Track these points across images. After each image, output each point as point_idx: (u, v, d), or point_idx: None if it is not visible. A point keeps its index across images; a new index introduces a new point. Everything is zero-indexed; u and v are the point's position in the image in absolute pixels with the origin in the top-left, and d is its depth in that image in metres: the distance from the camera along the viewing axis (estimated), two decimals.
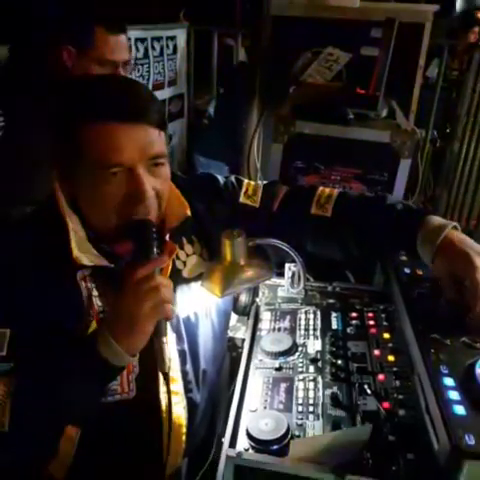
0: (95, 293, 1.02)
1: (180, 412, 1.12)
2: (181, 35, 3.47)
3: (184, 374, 1.13)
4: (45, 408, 0.93)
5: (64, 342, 0.96)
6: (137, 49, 3.07)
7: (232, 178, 1.27)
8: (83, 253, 1.00)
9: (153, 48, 3.20)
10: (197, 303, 1.15)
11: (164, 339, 0.95)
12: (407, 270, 1.21)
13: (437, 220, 1.09)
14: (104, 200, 0.96)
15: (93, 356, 0.91)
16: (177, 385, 1.11)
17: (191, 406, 1.15)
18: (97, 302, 1.02)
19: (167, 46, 3.33)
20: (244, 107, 2.09)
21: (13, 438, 0.91)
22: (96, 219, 1.01)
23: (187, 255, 1.15)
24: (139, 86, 1.03)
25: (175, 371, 1.11)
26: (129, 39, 2.98)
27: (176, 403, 1.11)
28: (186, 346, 1.13)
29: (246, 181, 1.27)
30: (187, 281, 1.14)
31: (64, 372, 0.93)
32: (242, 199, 1.23)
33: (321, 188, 1.24)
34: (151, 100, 0.99)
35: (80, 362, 0.93)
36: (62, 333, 0.98)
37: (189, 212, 1.11)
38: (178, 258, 1.13)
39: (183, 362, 1.13)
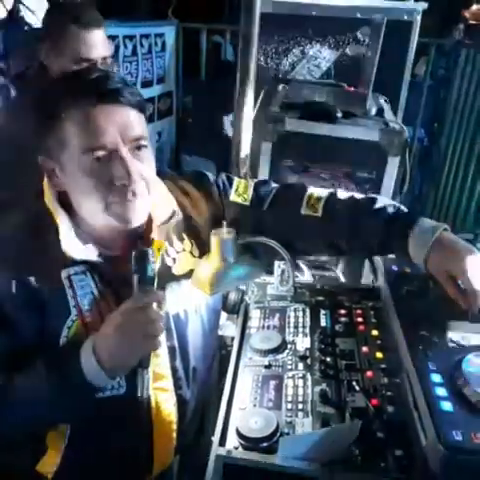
0: (80, 292, 1.01)
1: (170, 409, 1.12)
2: (170, 32, 3.46)
3: (174, 371, 1.13)
4: (26, 413, 0.97)
5: (49, 349, 0.98)
6: (125, 46, 3.06)
7: (223, 176, 1.27)
8: (72, 248, 1.00)
9: (141, 45, 3.18)
10: (187, 300, 1.15)
11: (146, 371, 0.97)
12: (395, 268, 1.22)
13: (428, 222, 1.10)
14: (91, 187, 0.96)
15: (75, 372, 0.93)
16: (167, 382, 1.11)
17: (181, 403, 1.15)
18: (82, 301, 1.02)
19: (156, 43, 3.32)
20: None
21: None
22: (86, 211, 1.01)
23: (177, 252, 1.15)
24: (112, 72, 1.05)
25: (164, 368, 1.11)
26: (117, 36, 2.98)
27: (165, 400, 1.11)
28: (176, 343, 1.13)
29: (237, 179, 1.27)
30: (177, 278, 1.13)
31: (46, 383, 0.95)
32: (232, 197, 1.23)
33: (312, 188, 1.25)
34: (126, 83, 1.01)
35: (61, 375, 0.95)
36: (47, 335, 0.98)
37: (176, 207, 1.11)
38: (168, 255, 1.13)
39: (172, 358, 1.13)
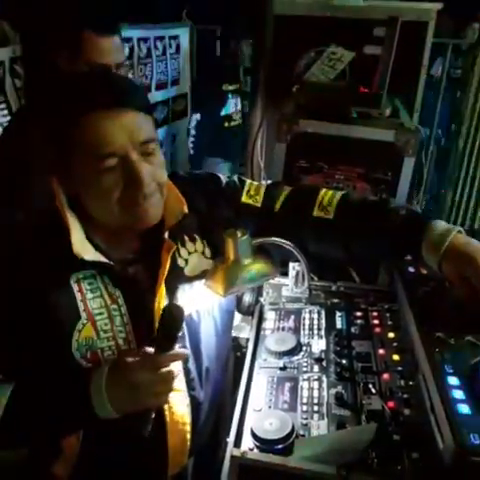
0: (90, 295, 1.01)
1: (184, 410, 1.12)
2: (184, 34, 3.47)
3: (187, 372, 1.13)
4: (34, 423, 0.98)
5: (58, 366, 0.99)
6: (140, 49, 3.08)
7: (235, 177, 1.27)
8: (83, 250, 0.99)
9: (156, 47, 3.20)
10: (199, 301, 1.16)
11: (153, 414, 0.98)
12: (411, 269, 1.21)
13: (442, 225, 1.09)
14: (104, 194, 0.96)
15: (82, 400, 0.94)
16: (180, 383, 1.11)
17: (195, 404, 1.15)
18: (92, 304, 1.02)
19: (170, 45, 3.33)
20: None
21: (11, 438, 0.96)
22: (100, 215, 1.01)
23: (189, 253, 1.15)
24: (118, 75, 1.04)
25: (177, 368, 1.11)
26: (131, 39, 3.00)
27: (179, 401, 1.11)
28: (188, 344, 1.13)
29: (248, 181, 1.27)
30: (189, 279, 1.13)
31: (52, 400, 0.98)
32: (244, 199, 1.23)
33: (324, 190, 1.24)
34: (132, 85, 1.01)
35: (69, 399, 0.97)
36: (58, 338, 0.99)
37: (186, 209, 1.11)
38: (180, 256, 1.13)
39: (185, 360, 1.13)
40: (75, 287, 1.01)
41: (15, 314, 0.98)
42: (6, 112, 2.41)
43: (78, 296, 1.01)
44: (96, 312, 1.02)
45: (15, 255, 1.01)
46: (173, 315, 0.96)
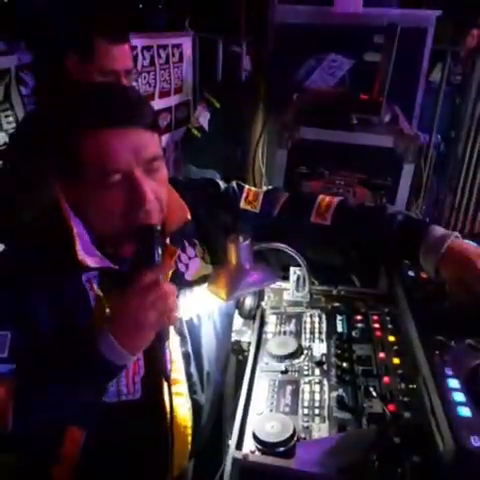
0: (101, 294, 1.03)
1: (185, 414, 1.13)
2: (187, 43, 3.50)
3: (189, 376, 1.14)
4: (47, 408, 0.94)
5: (66, 342, 0.97)
6: (143, 57, 3.10)
7: (233, 184, 1.28)
8: (88, 255, 1.01)
9: (159, 56, 3.23)
10: (200, 306, 1.17)
11: (167, 343, 0.96)
12: (411, 273, 1.22)
13: (439, 231, 1.10)
14: (107, 209, 0.97)
15: (94, 356, 0.91)
16: (182, 387, 1.12)
17: (196, 408, 1.16)
18: (103, 303, 1.03)
19: (173, 54, 3.36)
20: (247, 121, 2.10)
21: (16, 439, 0.93)
22: (100, 225, 1.02)
23: (189, 258, 1.16)
24: (126, 90, 1.03)
25: (179, 373, 1.12)
26: (135, 47, 3.03)
27: (181, 405, 1.12)
28: (190, 348, 1.14)
29: (247, 187, 1.28)
30: (190, 284, 1.15)
31: (65, 372, 0.94)
32: (243, 204, 1.24)
33: (321, 196, 1.25)
34: (140, 103, 1.00)
35: (81, 362, 0.94)
36: (67, 335, 0.99)
37: (189, 216, 1.12)
38: (180, 261, 1.14)
39: (187, 364, 1.14)
40: (88, 286, 1.03)
41: (31, 318, 0.99)
42: (12, 119, 2.43)
43: (91, 295, 1.02)
44: (107, 310, 1.02)
45: (27, 259, 1.02)
46: (150, 229, 0.96)
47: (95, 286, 1.03)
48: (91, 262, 1.01)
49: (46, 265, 1.00)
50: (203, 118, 3.41)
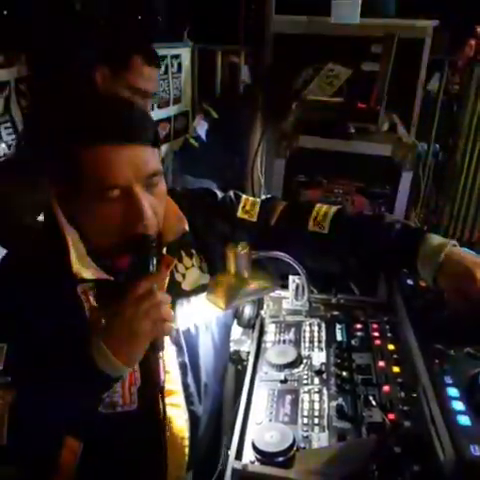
0: (96, 305, 1.03)
1: (182, 425, 1.12)
2: (185, 54, 3.52)
3: (185, 387, 1.13)
4: (43, 420, 0.94)
5: (61, 354, 0.96)
6: None
7: (231, 193, 1.28)
8: (83, 267, 1.01)
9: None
10: (197, 316, 1.16)
11: (161, 354, 0.96)
12: (410, 281, 1.22)
13: (436, 239, 1.10)
14: (103, 222, 0.97)
15: (89, 368, 0.91)
16: (178, 398, 1.11)
17: (193, 419, 1.15)
18: (100, 315, 1.02)
19: (172, 65, 3.38)
20: (246, 131, 2.13)
21: (12, 450, 0.92)
22: (97, 237, 1.02)
23: (186, 268, 1.16)
24: (131, 105, 1.03)
25: (176, 384, 1.11)
26: None
27: (177, 416, 1.11)
28: (187, 359, 1.13)
29: (244, 196, 1.29)
30: (187, 294, 1.14)
31: (61, 384, 0.94)
32: (240, 214, 1.24)
33: (319, 205, 1.25)
34: (144, 119, 1.00)
35: (76, 374, 0.93)
36: (63, 347, 0.98)
37: (187, 227, 1.13)
38: (177, 271, 1.14)
39: (184, 374, 1.13)
40: (83, 297, 1.02)
41: (27, 330, 0.98)
42: (11, 130, 2.44)
43: (87, 306, 1.02)
44: (103, 322, 1.01)
45: (22, 270, 1.02)
46: (145, 239, 0.96)
47: (91, 298, 1.03)
48: (86, 274, 1.01)
49: (41, 277, 1.00)
50: (200, 128, 3.43)
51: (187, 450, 1.13)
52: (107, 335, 0.92)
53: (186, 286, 1.15)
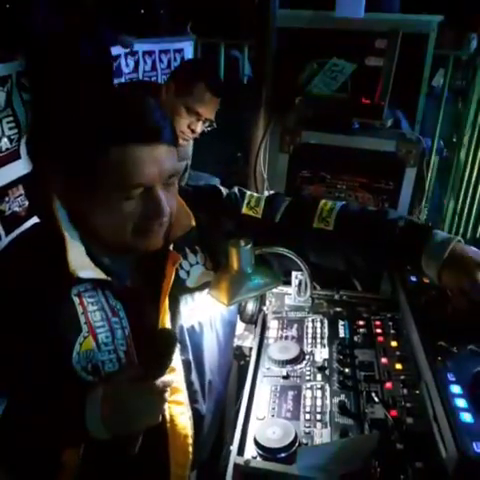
0: (91, 308, 1.01)
1: (185, 423, 1.11)
2: (188, 48, 3.51)
3: (189, 384, 1.13)
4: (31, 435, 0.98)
5: (57, 379, 0.98)
6: (145, 62, 3.12)
7: (235, 189, 1.28)
8: (80, 267, 0.98)
9: (161, 61, 3.24)
10: (201, 313, 1.16)
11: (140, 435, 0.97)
12: (414, 278, 1.21)
13: (441, 235, 1.10)
14: (121, 219, 0.96)
15: (78, 423, 0.93)
16: (182, 395, 1.11)
17: (197, 417, 1.15)
18: (93, 317, 1.01)
19: (175, 59, 3.37)
20: (249, 125, 2.14)
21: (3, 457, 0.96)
22: (109, 236, 1.01)
23: (191, 265, 1.16)
24: (154, 106, 1.02)
25: (179, 381, 1.10)
26: (136, 52, 3.04)
27: (181, 414, 1.10)
28: (191, 356, 1.13)
29: (249, 193, 1.28)
30: (191, 291, 1.14)
31: (48, 417, 0.97)
32: (245, 210, 1.24)
33: (323, 201, 1.25)
34: (166, 119, 1.00)
35: (65, 418, 0.97)
36: (60, 350, 0.99)
37: (194, 222, 1.13)
38: (182, 268, 1.14)
39: (188, 372, 1.12)
40: (76, 300, 1.00)
41: (16, 329, 0.98)
42: (13, 125, 2.44)
43: (79, 309, 1.00)
44: (97, 325, 1.01)
45: (15, 272, 1.00)
46: (167, 342, 0.94)
47: (85, 300, 1.01)
48: (82, 274, 0.98)
49: (37, 275, 0.98)
50: None
51: (191, 449, 1.13)
52: (105, 405, 0.93)
53: (190, 283, 1.14)
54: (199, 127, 2.03)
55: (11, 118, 2.43)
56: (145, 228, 0.98)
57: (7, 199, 2.63)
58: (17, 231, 2.68)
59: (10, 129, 2.43)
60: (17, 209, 2.71)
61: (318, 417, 1.02)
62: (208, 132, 2.21)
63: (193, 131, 2.05)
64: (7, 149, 2.38)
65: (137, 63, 3.01)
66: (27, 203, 2.33)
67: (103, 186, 0.94)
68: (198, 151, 2.69)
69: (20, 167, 2.58)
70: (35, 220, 1.16)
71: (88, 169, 0.94)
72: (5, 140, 2.39)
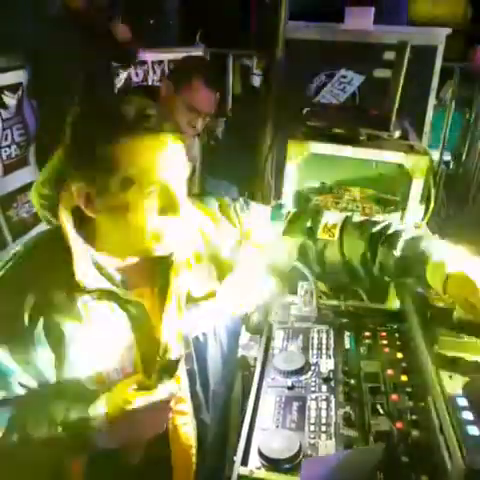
0: (96, 318, 1.01)
1: (189, 433, 1.11)
2: None
3: (193, 394, 1.13)
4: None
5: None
6: (154, 71, 3.15)
7: (241, 200, 1.29)
8: (87, 277, 0.99)
9: (170, 70, 3.27)
10: (205, 323, 1.16)
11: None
12: (420, 290, 1.21)
13: (446, 247, 1.10)
14: (142, 217, 0.96)
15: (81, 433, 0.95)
16: (186, 405, 1.11)
17: (201, 427, 1.15)
18: (99, 326, 1.01)
19: None
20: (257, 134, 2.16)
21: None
22: (117, 237, 1.01)
23: (196, 275, 1.16)
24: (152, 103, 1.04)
25: (183, 391, 1.10)
26: (146, 62, 3.08)
27: (184, 424, 1.10)
28: (195, 366, 1.13)
29: (253, 203, 1.29)
30: (196, 300, 1.13)
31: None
32: (249, 221, 1.25)
33: (327, 212, 1.26)
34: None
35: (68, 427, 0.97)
36: (67, 360, 0.99)
37: (198, 231, 1.13)
38: (186, 277, 1.14)
39: (192, 382, 1.12)
40: (83, 309, 1.00)
41: (22, 335, 0.98)
42: (23, 132, 2.47)
43: (85, 318, 1.00)
44: (102, 334, 1.01)
45: (23, 279, 1.00)
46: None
47: (91, 309, 1.00)
48: (89, 283, 0.98)
49: (46, 288, 0.99)
50: (219, 128, 3.47)
51: (194, 459, 1.12)
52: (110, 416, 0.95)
53: (196, 293, 1.14)
54: (200, 123, 2.01)
55: (21, 125, 2.46)
56: (161, 227, 0.98)
57: (15, 205, 2.66)
58: (24, 237, 2.71)
59: (20, 136, 2.46)
60: (25, 215, 2.74)
61: (323, 428, 1.02)
62: (223, 139, 2.22)
63: (194, 127, 2.03)
64: (16, 156, 2.41)
65: (146, 72, 3.04)
66: (35, 210, 2.36)
67: (119, 179, 0.93)
68: (214, 158, 2.73)
69: (28, 174, 2.61)
70: (43, 227, 1.18)
71: (109, 159, 0.93)
72: (14, 147, 2.42)
